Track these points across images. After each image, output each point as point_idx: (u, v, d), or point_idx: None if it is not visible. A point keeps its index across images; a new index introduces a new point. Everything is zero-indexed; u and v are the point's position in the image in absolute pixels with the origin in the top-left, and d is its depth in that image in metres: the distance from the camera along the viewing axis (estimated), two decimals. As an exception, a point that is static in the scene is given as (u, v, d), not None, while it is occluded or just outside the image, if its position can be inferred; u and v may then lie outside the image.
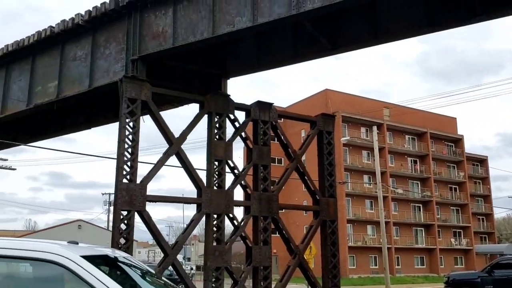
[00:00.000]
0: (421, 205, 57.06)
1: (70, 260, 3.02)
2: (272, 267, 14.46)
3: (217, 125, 14.31)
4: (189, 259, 65.10)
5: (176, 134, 13.21)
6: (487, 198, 64.94)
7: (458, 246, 58.22)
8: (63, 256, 3.03)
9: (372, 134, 33.20)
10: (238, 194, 15.04)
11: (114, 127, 17.78)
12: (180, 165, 13.69)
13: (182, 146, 13.36)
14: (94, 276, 3.00)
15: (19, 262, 3.22)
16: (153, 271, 4.81)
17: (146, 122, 13.89)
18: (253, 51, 14.41)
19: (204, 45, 12.48)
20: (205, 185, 13.52)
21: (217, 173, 14.04)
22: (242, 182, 14.37)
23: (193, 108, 15.34)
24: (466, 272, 32.65)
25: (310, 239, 15.53)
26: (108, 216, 62.12)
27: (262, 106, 14.90)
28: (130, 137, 12.25)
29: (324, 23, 12.54)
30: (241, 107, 14.93)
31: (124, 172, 11.91)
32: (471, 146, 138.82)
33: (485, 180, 65.89)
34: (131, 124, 12.32)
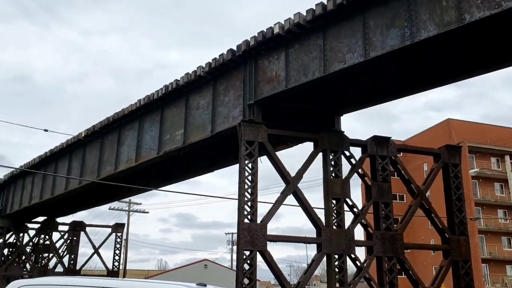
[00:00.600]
0: None
1: None
2: (400, 311, 13.56)
3: (332, 163, 14.20)
4: (311, 301, 63.70)
5: (291, 172, 13.37)
6: None
7: None
8: None
9: (505, 164, 30.24)
10: (359, 233, 14.59)
11: (233, 169, 18.59)
12: (297, 204, 13.75)
13: (298, 185, 13.45)
14: None
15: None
16: None
17: (262, 163, 14.32)
18: (365, 85, 14.22)
19: (316, 84, 12.64)
20: (324, 224, 13.36)
21: (335, 211, 13.81)
22: (363, 221, 13.93)
23: (306, 147, 15.45)
24: None
25: (441, 281, 14.34)
26: (232, 255, 63.96)
27: (379, 141, 14.50)
28: (250, 178, 12.67)
29: (443, 49, 12.00)
30: (356, 143, 14.68)
31: (245, 212, 12.27)
32: None
33: None
34: (250, 165, 12.77)
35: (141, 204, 37.83)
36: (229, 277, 45.45)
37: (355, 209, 14.02)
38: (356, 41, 11.22)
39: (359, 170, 14.36)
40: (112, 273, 30.88)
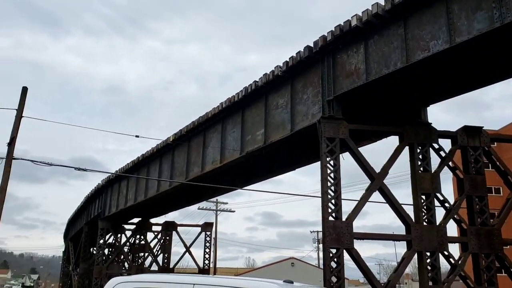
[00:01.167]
0: None
1: None
2: (502, 313, 12.67)
3: (420, 156, 13.63)
4: (403, 300, 61.45)
5: (375, 168, 12.99)
6: None
7: None
8: None
9: None
10: (451, 229, 13.84)
11: (316, 166, 18.49)
12: (383, 200, 13.34)
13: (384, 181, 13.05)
14: None
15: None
16: None
17: (344, 159, 14.06)
18: (452, 73, 13.44)
19: (398, 76, 12.17)
20: (414, 220, 12.85)
21: (425, 207, 13.25)
22: (455, 216, 13.21)
23: (389, 142, 14.96)
24: None
25: (549, 280, 13.17)
26: (318, 253, 63.57)
27: (470, 131, 13.66)
28: (332, 175, 12.53)
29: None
30: (445, 134, 13.96)
31: (330, 210, 12.16)
32: None
33: None
34: (331, 162, 12.62)
35: (227, 203, 38.90)
36: (316, 275, 45.18)
37: (446, 204, 13.35)
38: (439, 27, 10.65)
39: (450, 163, 13.65)
40: (203, 271, 32.06)
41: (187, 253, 33.25)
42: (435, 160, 13.77)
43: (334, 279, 11.83)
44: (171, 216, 33.51)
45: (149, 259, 35.02)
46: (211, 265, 33.08)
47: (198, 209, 36.90)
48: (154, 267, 34.25)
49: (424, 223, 13.04)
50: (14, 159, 14.85)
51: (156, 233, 34.10)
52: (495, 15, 9.39)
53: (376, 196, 13.32)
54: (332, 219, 12.11)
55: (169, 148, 22.85)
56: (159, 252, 34.37)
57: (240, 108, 17.55)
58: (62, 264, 56.03)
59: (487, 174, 13.41)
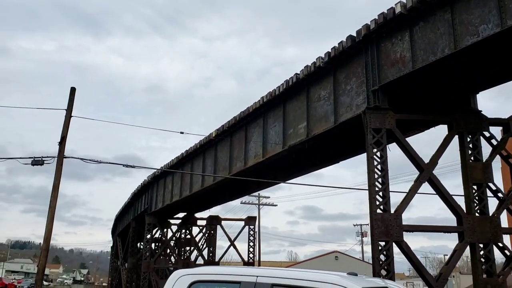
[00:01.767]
0: None
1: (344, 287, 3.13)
2: None
3: (470, 145, 13.19)
4: (451, 293, 59.96)
5: (423, 159, 12.64)
6: None
7: None
8: (339, 285, 3.18)
9: None
10: (506, 220, 13.30)
11: (357, 159, 18.26)
12: (429, 192, 12.99)
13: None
14: None
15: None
16: None
17: (391, 151, 13.75)
18: (503, 58, 12.87)
19: (446, 62, 11.77)
20: (465, 212, 12.45)
21: (477, 198, 12.82)
22: (510, 206, 12.69)
23: (431, 132, 14.54)
24: None
25: None
26: (362, 247, 62.81)
27: (525, 118, 13.05)
28: (379, 167, 12.29)
29: None
30: (496, 122, 13.44)
31: (377, 203, 11.94)
32: None
33: None
34: (378, 154, 12.39)
35: (269, 197, 38.99)
36: (360, 268, 44.61)
37: (499, 194, 12.85)
38: (489, 10, 10.20)
39: (502, 152, 13.12)
40: (248, 264, 32.31)
41: (230, 247, 33.59)
42: (486, 149, 13.29)
43: (383, 272, 11.62)
44: (213, 211, 33.91)
45: (195, 253, 35.65)
46: (256, 259, 33.29)
47: (241, 203, 37.24)
48: (200, 261, 34.84)
49: (476, 214, 12.62)
50: (65, 157, 15.41)
51: (201, 227, 34.65)
52: (552, -6, 8.90)
53: (423, 187, 12.98)
54: (380, 211, 11.89)
55: (211, 143, 23.10)
56: (204, 246, 34.91)
57: (281, 101, 17.49)
58: (111, 259, 57.95)
59: (543, 162, 12.78)
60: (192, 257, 35.84)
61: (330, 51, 14.24)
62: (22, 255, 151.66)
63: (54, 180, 15.28)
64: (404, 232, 11.94)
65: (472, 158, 13.06)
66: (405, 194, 12.50)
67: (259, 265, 33.02)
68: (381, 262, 11.59)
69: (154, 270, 32.37)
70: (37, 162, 15.41)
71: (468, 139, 13.16)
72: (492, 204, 12.76)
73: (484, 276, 12.13)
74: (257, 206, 37.73)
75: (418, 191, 12.64)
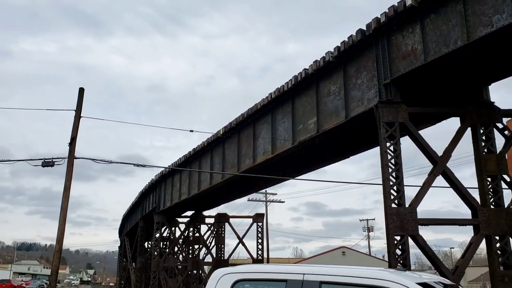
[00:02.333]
0: None
1: (399, 284, 3.06)
2: None
3: (483, 137, 13.10)
4: (460, 286, 59.83)
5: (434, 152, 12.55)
6: None
7: None
8: (399, 284, 3.09)
9: None
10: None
11: (360, 155, 18.14)
12: (446, 185, 12.91)
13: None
14: None
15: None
16: None
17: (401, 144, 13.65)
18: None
19: (459, 54, 11.67)
20: (480, 204, 12.37)
21: (491, 190, 12.74)
22: (526, 197, 12.59)
23: (447, 124, 14.44)
24: None
25: None
26: (368, 241, 62.75)
27: (538, 108, 12.94)
28: (393, 161, 12.21)
29: None
30: (510, 113, 13.32)
31: (392, 197, 11.86)
32: None
33: None
34: (391, 148, 12.30)
35: (276, 194, 38.94)
36: (368, 263, 44.56)
37: (515, 186, 12.75)
38: (503, 0, 10.08)
39: (516, 143, 13.01)
40: (257, 262, 32.30)
41: (239, 244, 33.53)
42: (499, 141, 13.20)
43: (399, 266, 11.55)
44: (219, 209, 33.89)
45: (203, 251, 35.63)
46: (265, 256, 33.26)
47: (248, 200, 37.21)
48: (208, 258, 34.83)
49: (491, 206, 12.54)
50: (76, 158, 15.39)
51: (209, 225, 34.62)
52: None
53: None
54: (395, 206, 11.82)
55: (219, 141, 23.04)
56: (213, 244, 34.90)
57: (290, 97, 17.40)
58: (119, 258, 58.04)
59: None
60: (201, 255, 35.82)
61: (339, 45, 14.14)
62: (28, 257, 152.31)
63: (65, 181, 15.26)
64: (419, 226, 11.87)
65: (485, 150, 12.97)
66: (419, 187, 12.43)
67: (268, 262, 33.02)
68: (397, 257, 11.52)
69: (163, 269, 32.39)
70: (47, 163, 15.39)
71: (481, 131, 13.07)
72: (507, 196, 12.68)
73: (501, 268, 12.05)
74: (264, 203, 37.70)
75: (434, 185, 12.56)
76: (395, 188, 11.99)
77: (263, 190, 37.17)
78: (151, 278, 31.92)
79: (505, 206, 12.50)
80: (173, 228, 34.44)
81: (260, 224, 33.54)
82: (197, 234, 34.17)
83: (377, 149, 16.38)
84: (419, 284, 3.11)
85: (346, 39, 13.87)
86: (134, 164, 16.13)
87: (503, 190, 12.77)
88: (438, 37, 11.59)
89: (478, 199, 12.69)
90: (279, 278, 3.30)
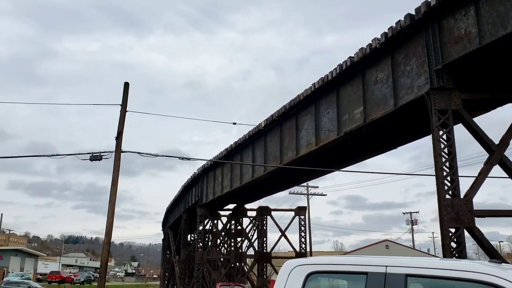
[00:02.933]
0: None
1: (507, 281, 2.77)
2: None
3: (543, 124, 12.31)
4: None
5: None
6: None
7: None
8: (497, 277, 2.80)
9: None
10: None
11: (403, 147, 17.58)
12: (505, 175, 12.25)
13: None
14: None
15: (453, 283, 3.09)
16: None
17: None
18: None
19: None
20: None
21: (554, 179, 11.98)
22: None
23: (503, 110, 13.71)
24: None
25: None
26: (412, 235, 61.31)
27: None
28: (446, 150, 11.69)
29: None
30: None
31: (446, 187, 11.37)
32: None
33: None
34: (444, 136, 11.78)
35: (318, 187, 38.50)
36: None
37: None
38: None
39: None
40: (301, 255, 32.07)
41: (281, 237, 33.38)
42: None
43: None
44: (258, 203, 33.76)
45: (245, 244, 35.73)
46: (307, 249, 32.99)
47: (289, 193, 36.93)
48: (250, 251, 34.90)
49: (554, 197, 11.81)
50: (123, 152, 15.61)
51: (251, 218, 34.65)
52: None
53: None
54: (449, 197, 11.32)
55: (260, 134, 22.90)
56: (255, 236, 34.92)
57: (334, 87, 17.01)
58: (163, 251, 59.16)
59: None
60: (243, 248, 35.93)
61: (387, 31, 13.66)
62: (75, 250, 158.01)
63: (112, 174, 15.52)
64: (476, 218, 11.33)
65: (547, 137, 12.21)
66: (475, 178, 11.85)
67: (310, 255, 32.72)
68: (452, 250, 11.04)
69: (207, 261, 32.71)
70: (95, 157, 15.68)
71: (542, 117, 12.31)
72: None
73: None
74: (306, 196, 37.37)
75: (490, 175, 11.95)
76: (448, 178, 11.48)
77: (305, 184, 36.82)
78: (195, 270, 32.29)
79: None
80: (215, 221, 34.68)
81: (302, 217, 33.27)
82: (239, 227, 34.27)
83: (419, 141, 15.81)
84: None
85: (394, 25, 13.37)
86: (179, 158, 16.22)
87: None
88: (494, 18, 10.95)
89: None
90: (358, 270, 3.04)
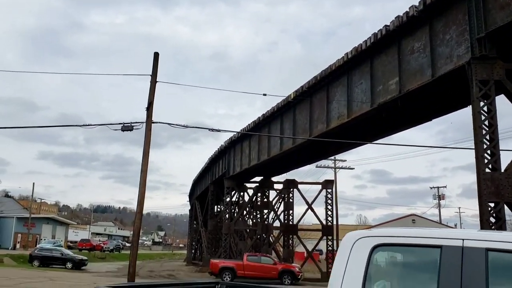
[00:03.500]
0: None
1: None
2: None
3: None
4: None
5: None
6: None
7: None
8: None
9: None
10: None
11: (433, 121, 17.00)
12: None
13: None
14: None
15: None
16: None
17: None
18: None
19: None
20: None
21: None
22: None
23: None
24: None
25: None
26: (439, 209, 60.58)
27: None
28: (487, 122, 11.26)
29: None
30: None
31: (486, 161, 10.99)
32: None
33: None
34: (485, 108, 11.33)
35: (346, 161, 38.15)
36: (441, 232, 42.98)
37: None
38: None
39: None
40: (327, 228, 32.08)
41: (308, 210, 33.37)
42: None
43: None
44: (282, 176, 33.63)
45: (271, 216, 35.92)
46: (334, 222, 32.94)
47: (317, 167, 36.68)
48: (276, 223, 35.08)
49: None
50: (154, 122, 15.61)
51: (277, 191, 34.69)
52: None
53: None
54: (489, 170, 10.95)
55: (289, 106, 22.62)
56: (281, 209, 35.04)
57: (368, 57, 16.53)
58: (189, 221, 60.18)
59: None
60: (269, 220, 36.15)
61: (426, -2, 13.06)
62: (104, 219, 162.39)
63: (144, 145, 15.58)
64: (515, 193, 10.95)
65: None
66: (516, 151, 11.41)
67: (337, 228, 32.68)
68: (491, 225, 10.74)
69: (234, 232, 33.07)
70: (127, 127, 15.72)
71: None
72: None
73: None
74: (333, 170, 37.08)
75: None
76: (489, 151, 11.09)
77: (332, 157, 36.51)
78: (222, 240, 32.72)
79: None
80: (242, 193, 34.86)
81: (329, 190, 33.10)
82: (265, 200, 34.40)
83: (448, 115, 15.22)
84: None
85: (434, -9, 12.76)
86: (209, 129, 16.15)
87: None
88: (545, -18, 10.31)
89: None
90: (431, 243, 2.84)
